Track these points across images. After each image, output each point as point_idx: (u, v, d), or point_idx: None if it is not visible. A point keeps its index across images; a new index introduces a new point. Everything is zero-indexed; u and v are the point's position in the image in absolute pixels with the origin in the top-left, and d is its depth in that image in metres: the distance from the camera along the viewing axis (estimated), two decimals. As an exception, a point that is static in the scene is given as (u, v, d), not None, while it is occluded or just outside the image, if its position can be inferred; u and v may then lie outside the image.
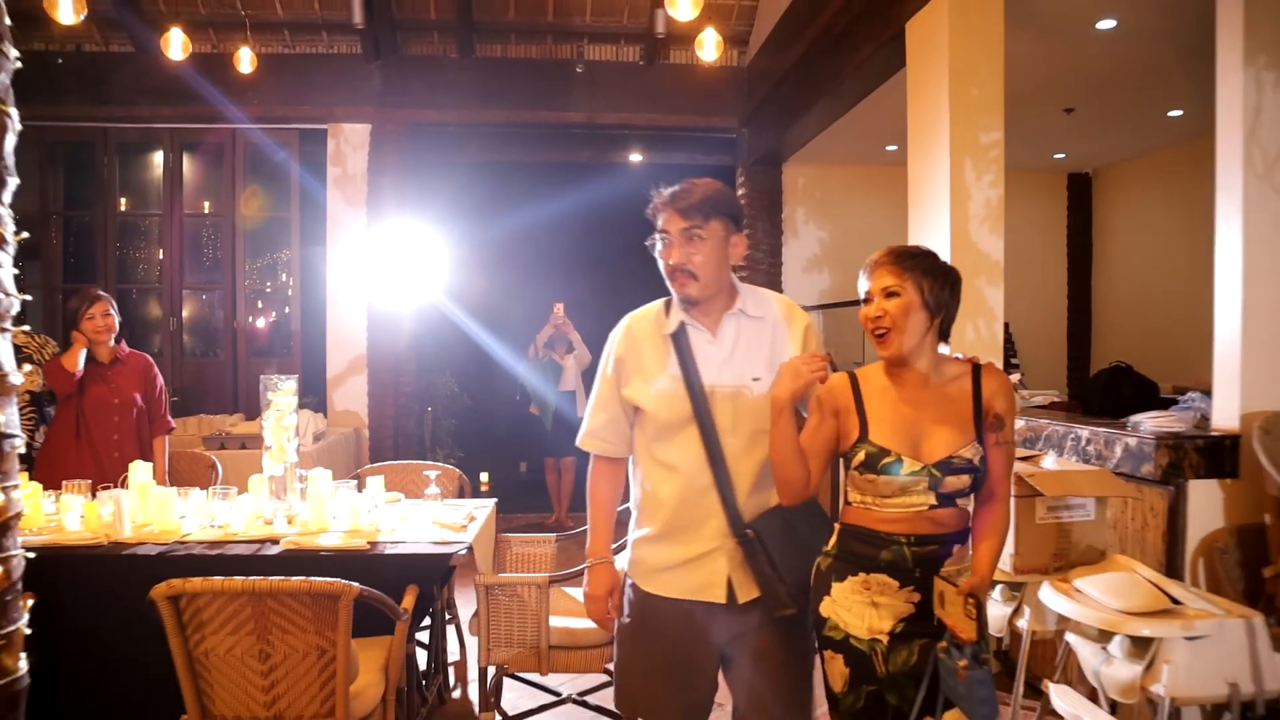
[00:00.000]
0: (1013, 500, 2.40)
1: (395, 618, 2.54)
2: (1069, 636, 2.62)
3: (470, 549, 3.00)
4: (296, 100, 7.12)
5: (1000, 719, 1.99)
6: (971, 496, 1.93)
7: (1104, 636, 2.45)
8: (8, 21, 1.81)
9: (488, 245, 8.42)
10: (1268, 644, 2.27)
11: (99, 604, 2.82)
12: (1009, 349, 7.41)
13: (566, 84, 7.47)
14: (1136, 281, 7.94)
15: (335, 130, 7.22)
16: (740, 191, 8.05)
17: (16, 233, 1.86)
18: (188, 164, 7.32)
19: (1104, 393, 5.18)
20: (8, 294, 1.82)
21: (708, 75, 7.69)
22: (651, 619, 2.06)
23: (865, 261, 1.96)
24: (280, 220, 7.33)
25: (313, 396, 6.97)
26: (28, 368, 2.19)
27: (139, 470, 3.36)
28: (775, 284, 7.98)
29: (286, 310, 7.50)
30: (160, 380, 4.18)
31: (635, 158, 8.38)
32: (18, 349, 2.53)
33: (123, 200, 7.38)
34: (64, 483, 3.27)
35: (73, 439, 3.95)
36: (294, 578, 2.26)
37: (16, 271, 1.88)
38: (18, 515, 1.86)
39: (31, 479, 3.33)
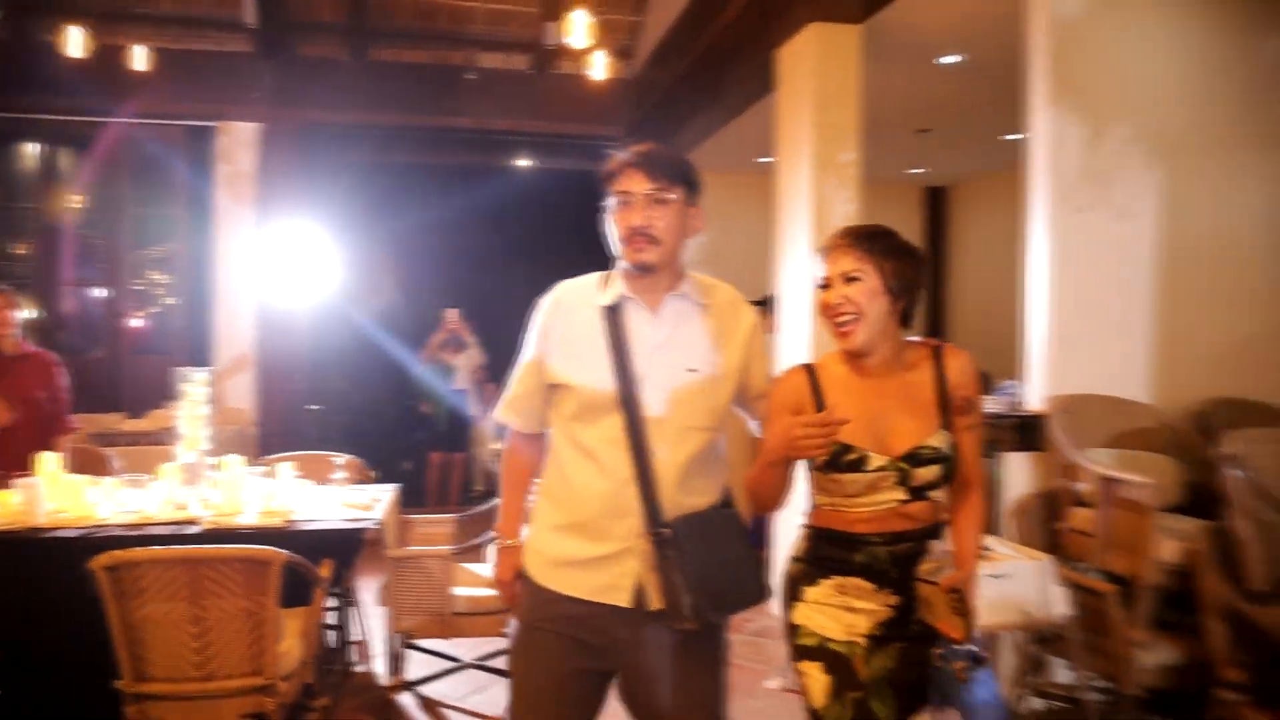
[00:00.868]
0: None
1: (317, 584, 2.79)
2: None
3: (381, 525, 3.26)
4: (185, 96, 7.08)
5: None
6: (942, 489, 1.85)
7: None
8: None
9: (381, 245, 8.55)
10: (1054, 581, 2.80)
11: (21, 586, 2.95)
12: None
13: (458, 90, 7.70)
14: (983, 286, 8.75)
15: (225, 128, 7.22)
16: (626, 197, 8.45)
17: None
18: (68, 158, 7.20)
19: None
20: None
21: (595, 86, 8.01)
22: (544, 621, 1.87)
23: (821, 244, 1.85)
24: (166, 217, 7.29)
25: (200, 394, 6.97)
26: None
27: (47, 460, 3.46)
28: (659, 286, 8.41)
29: (174, 306, 7.46)
30: (64, 380, 4.20)
31: (524, 162, 8.68)
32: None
33: (-6, 193, 7.20)
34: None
35: (-29, 434, 3.96)
36: (228, 545, 2.49)
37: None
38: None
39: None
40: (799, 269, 4.65)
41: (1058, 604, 2.79)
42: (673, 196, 1.84)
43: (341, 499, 3.57)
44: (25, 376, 4.04)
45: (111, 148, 7.15)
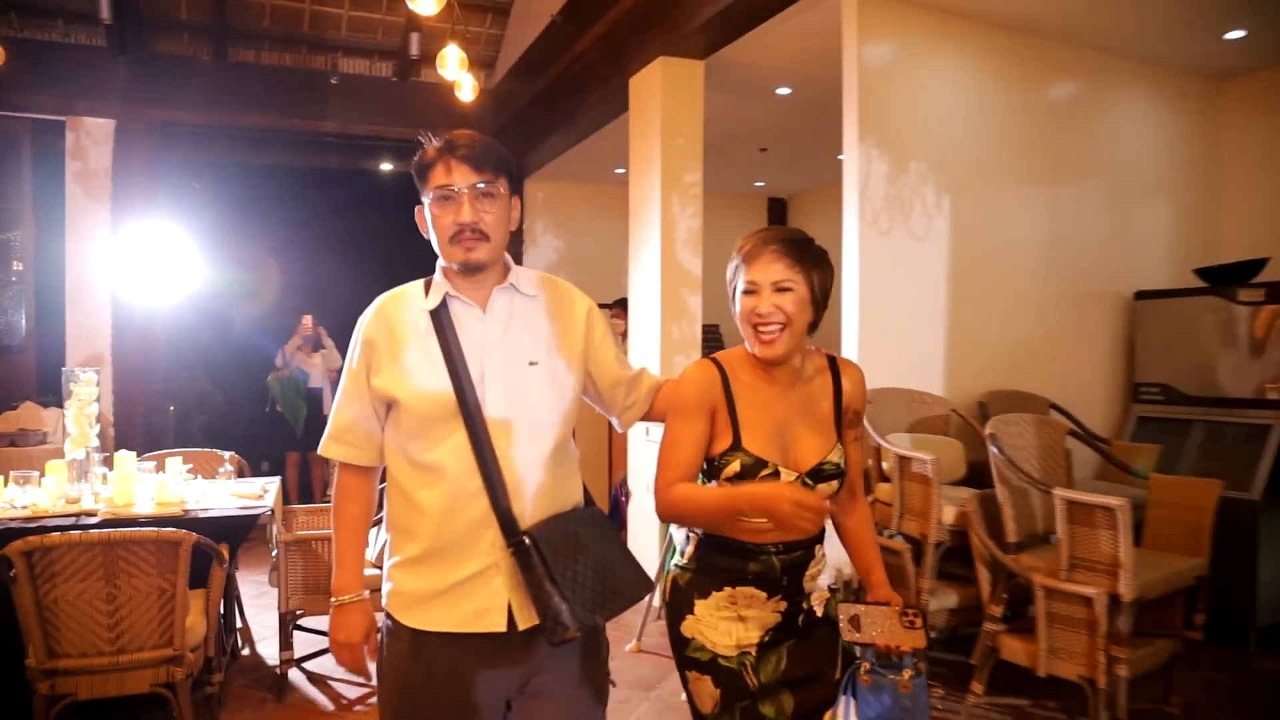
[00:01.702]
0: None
1: (221, 563, 3.07)
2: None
3: (273, 511, 3.55)
4: (30, 88, 6.91)
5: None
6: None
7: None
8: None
9: (243, 246, 8.54)
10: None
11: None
12: (719, 346, 8.74)
13: (321, 94, 7.83)
14: (818, 291, 9.60)
15: (75, 123, 7.09)
16: (488, 202, 8.80)
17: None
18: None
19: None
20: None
21: (455, 94, 8.36)
22: (418, 665, 1.71)
23: (748, 238, 1.80)
24: (9, 211, 7.09)
25: (51, 394, 6.85)
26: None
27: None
28: (520, 287, 8.80)
29: (20, 304, 7.26)
30: None
31: (385, 167, 8.87)
32: None
33: None
34: None
35: None
36: (143, 528, 2.76)
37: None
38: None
39: None
40: (649, 277, 5.17)
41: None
42: (500, 189, 1.74)
43: (230, 490, 3.82)
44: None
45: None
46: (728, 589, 1.78)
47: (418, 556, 1.71)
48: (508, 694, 1.73)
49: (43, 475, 3.60)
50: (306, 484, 7.88)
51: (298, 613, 3.72)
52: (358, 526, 1.80)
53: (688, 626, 1.81)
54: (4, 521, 3.25)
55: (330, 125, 7.89)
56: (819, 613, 1.83)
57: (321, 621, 4.18)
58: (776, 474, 1.74)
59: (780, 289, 1.72)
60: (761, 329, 1.73)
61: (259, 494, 3.74)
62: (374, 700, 3.67)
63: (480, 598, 1.68)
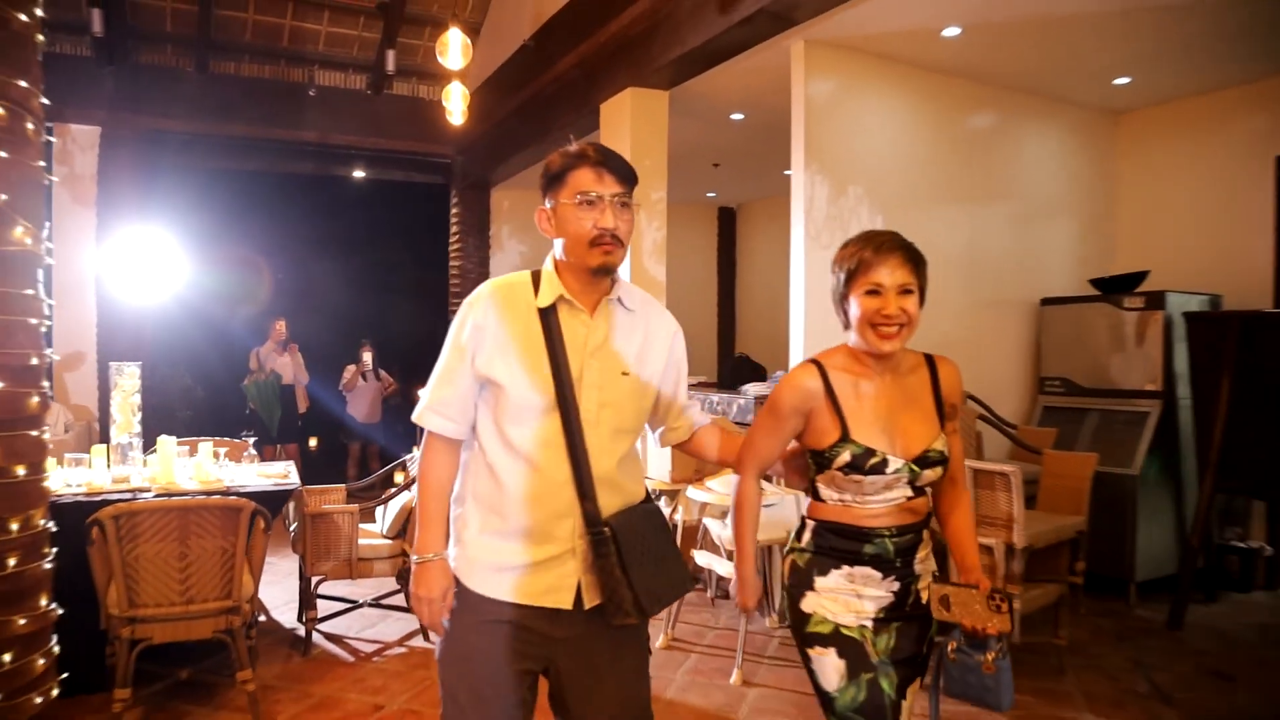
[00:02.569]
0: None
1: (268, 528, 3.58)
2: (705, 519, 4.29)
3: (301, 488, 4.07)
4: (20, 99, 7.22)
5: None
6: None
7: (723, 514, 4.14)
8: None
9: (222, 248, 8.91)
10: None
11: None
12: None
13: (300, 105, 8.26)
14: (765, 293, 10.29)
15: (61, 130, 7.43)
16: (454, 211, 9.30)
17: None
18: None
19: (733, 374, 7.18)
20: None
21: (428, 107, 8.84)
22: (484, 626, 1.84)
23: (859, 241, 1.91)
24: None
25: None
26: None
27: None
28: (485, 290, 9.33)
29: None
30: None
31: (358, 174, 9.32)
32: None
33: None
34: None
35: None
36: (212, 496, 3.27)
37: None
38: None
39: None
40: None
41: (806, 522, 4.08)
42: (633, 202, 1.85)
43: (255, 471, 4.32)
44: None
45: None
46: (845, 568, 1.91)
47: (500, 531, 1.83)
48: (554, 661, 1.86)
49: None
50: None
51: (316, 580, 4.23)
52: (444, 492, 1.91)
53: (808, 602, 1.93)
54: (67, 497, 3.70)
55: (310, 135, 8.32)
56: (924, 599, 1.95)
57: (333, 587, 4.71)
58: (885, 462, 1.86)
59: (904, 291, 1.85)
60: (883, 327, 1.85)
61: (284, 474, 4.25)
62: (390, 653, 4.21)
63: (553, 577, 1.82)
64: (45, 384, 2.70)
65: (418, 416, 1.89)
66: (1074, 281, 6.11)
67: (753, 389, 4.98)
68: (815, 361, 1.96)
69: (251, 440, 4.68)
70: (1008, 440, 5.37)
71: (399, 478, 5.13)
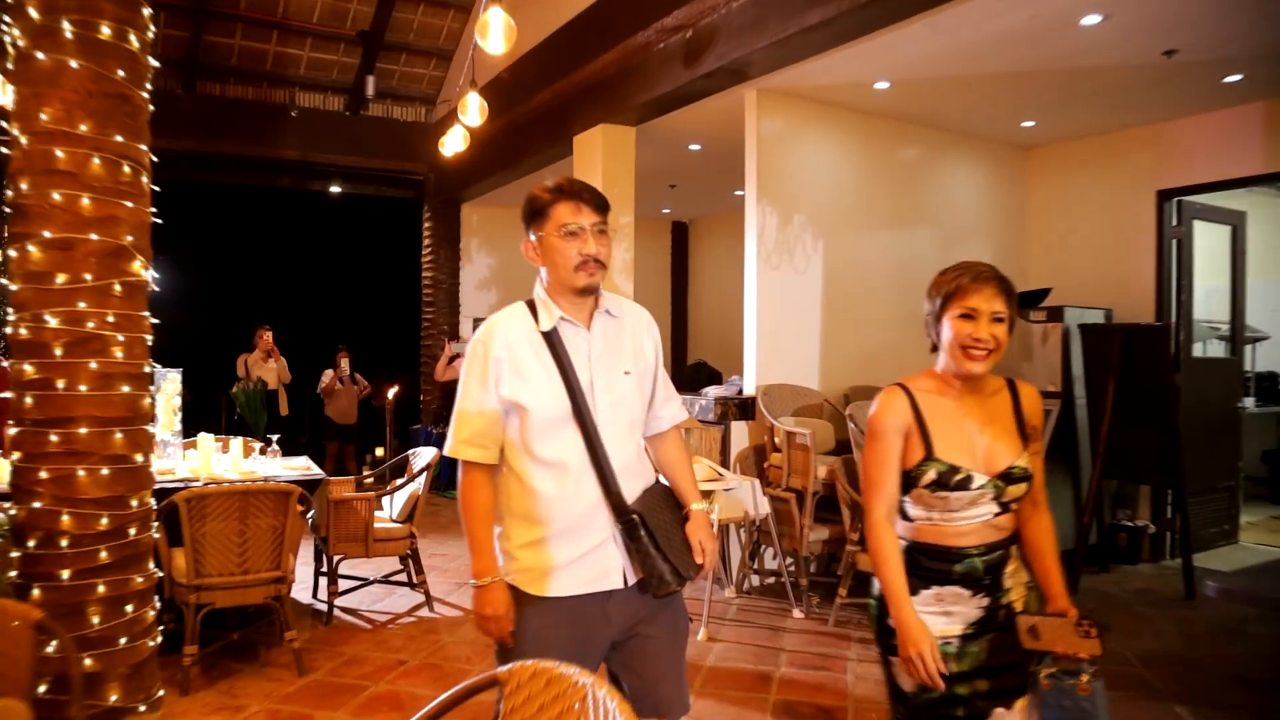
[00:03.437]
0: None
1: (306, 511, 4.20)
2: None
3: (326, 477, 4.69)
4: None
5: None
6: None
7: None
8: None
9: (205, 258, 9.38)
10: (760, 492, 4.81)
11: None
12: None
13: (283, 124, 8.80)
14: (716, 302, 11.07)
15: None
16: (426, 225, 9.90)
17: None
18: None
19: (692, 378, 7.94)
20: None
21: (401, 128, 9.45)
22: (553, 626, 2.01)
23: (958, 270, 1.99)
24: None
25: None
26: None
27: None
28: (454, 301, 9.95)
29: None
30: None
31: (335, 189, 9.86)
32: None
33: None
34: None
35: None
36: (267, 481, 3.89)
37: None
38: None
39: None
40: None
41: (763, 507, 4.82)
42: (609, 229, 2.07)
43: (280, 464, 4.91)
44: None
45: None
46: (935, 588, 1.97)
47: (544, 538, 2.02)
48: (615, 638, 2.08)
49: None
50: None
51: (337, 558, 4.85)
52: (490, 517, 2.07)
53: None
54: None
55: (292, 153, 8.86)
56: (1018, 608, 2.00)
57: (344, 568, 5.32)
58: (970, 478, 1.93)
59: (997, 319, 1.94)
60: (974, 350, 1.93)
61: (306, 467, 4.86)
62: (402, 622, 4.84)
63: (602, 562, 2.04)
64: (152, 388, 3.30)
65: (452, 451, 2.05)
66: (989, 296, 6.96)
67: (712, 391, 5.73)
68: (901, 385, 2.05)
69: (275, 438, 5.25)
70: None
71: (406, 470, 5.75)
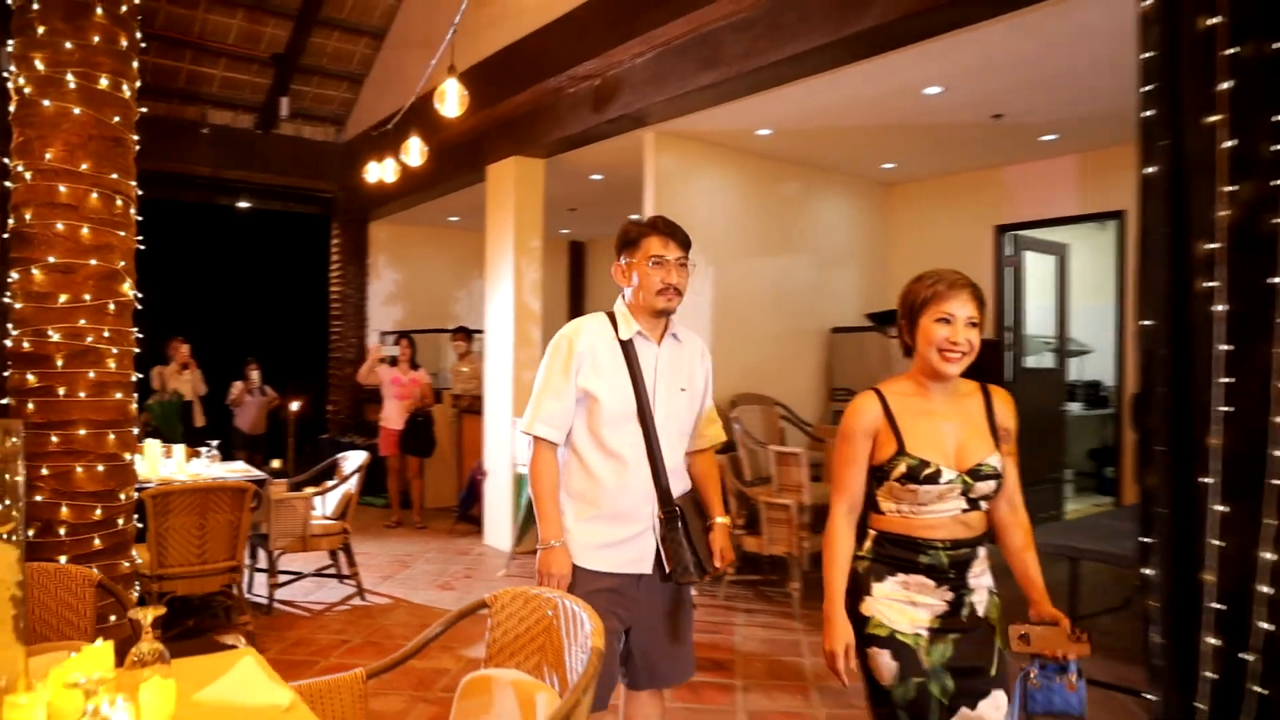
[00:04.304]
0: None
1: (258, 507, 4.64)
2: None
3: (269, 479, 5.13)
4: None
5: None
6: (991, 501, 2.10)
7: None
8: None
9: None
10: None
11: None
12: (533, 363, 10.68)
13: (194, 141, 9.00)
14: (611, 318, 11.76)
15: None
16: (335, 241, 10.22)
17: None
18: None
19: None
20: None
21: (311, 147, 9.78)
22: (589, 596, 2.20)
23: (933, 276, 2.08)
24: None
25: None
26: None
27: None
28: (362, 316, 10.30)
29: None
30: None
31: (243, 204, 10.08)
32: None
33: None
34: None
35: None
36: (227, 478, 4.34)
37: None
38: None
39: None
40: (503, 315, 7.04)
41: (661, 496, 5.51)
42: (689, 263, 2.40)
43: (222, 468, 5.32)
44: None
45: None
46: (901, 575, 2.07)
47: (595, 517, 2.36)
48: (635, 618, 2.39)
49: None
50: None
51: (276, 553, 5.28)
52: (556, 489, 2.41)
53: (866, 606, 2.09)
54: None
55: (203, 169, 9.05)
56: (980, 612, 2.09)
57: (283, 562, 5.73)
58: (939, 473, 2.01)
59: (971, 324, 2.03)
60: (949, 352, 2.01)
61: (246, 470, 5.28)
62: (337, 610, 5.31)
63: (638, 548, 2.36)
64: (135, 395, 3.73)
65: (528, 428, 2.39)
66: (855, 315, 7.91)
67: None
68: (875, 389, 2.15)
69: (216, 443, 5.62)
70: (804, 434, 7.04)
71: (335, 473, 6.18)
